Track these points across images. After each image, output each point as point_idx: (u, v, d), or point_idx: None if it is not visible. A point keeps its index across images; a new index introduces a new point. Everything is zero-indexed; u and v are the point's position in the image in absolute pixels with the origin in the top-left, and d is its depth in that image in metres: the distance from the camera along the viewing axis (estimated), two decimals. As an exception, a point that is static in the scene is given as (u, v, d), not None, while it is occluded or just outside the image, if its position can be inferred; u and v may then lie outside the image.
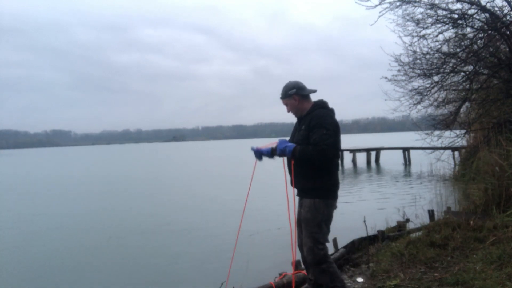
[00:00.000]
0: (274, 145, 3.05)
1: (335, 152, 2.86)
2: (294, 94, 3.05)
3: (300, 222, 3.12)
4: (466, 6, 7.75)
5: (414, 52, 8.49)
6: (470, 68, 8.74)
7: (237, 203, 11.90)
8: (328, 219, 2.96)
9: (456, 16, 7.91)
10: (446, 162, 12.37)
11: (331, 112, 3.03)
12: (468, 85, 8.93)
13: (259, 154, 3.12)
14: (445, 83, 9.13)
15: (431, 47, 8.36)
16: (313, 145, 2.82)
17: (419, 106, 9.58)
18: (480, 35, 8.11)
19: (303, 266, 3.98)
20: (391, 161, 24.09)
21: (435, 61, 8.65)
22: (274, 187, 15.42)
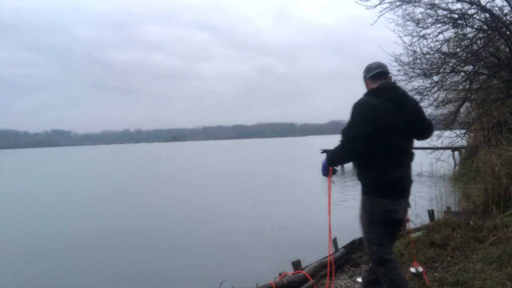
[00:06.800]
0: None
1: (359, 147, 2.53)
2: (364, 78, 2.83)
3: None
4: (466, 6, 7.75)
5: (414, 52, 8.48)
6: (470, 68, 8.73)
7: (237, 203, 11.90)
8: (379, 220, 2.62)
9: (456, 16, 7.91)
10: (446, 162, 12.38)
11: (376, 99, 2.59)
12: (468, 85, 8.93)
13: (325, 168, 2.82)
14: (445, 83, 9.12)
15: (431, 47, 8.35)
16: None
17: (419, 106, 9.57)
18: (480, 35, 8.11)
19: (303, 266, 3.99)
20: (391, 161, 24.05)
21: (435, 61, 8.64)
22: (281, 187, 15.46)
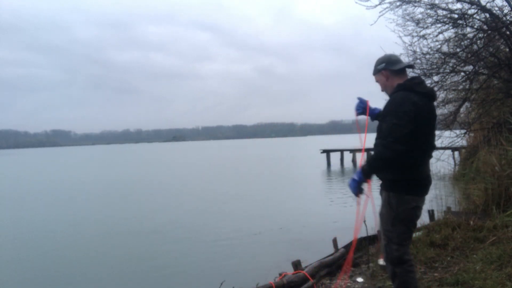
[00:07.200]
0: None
1: (406, 146, 2.37)
2: (383, 69, 2.64)
3: None
4: (466, 6, 7.74)
5: (414, 52, 8.47)
6: (470, 68, 8.73)
7: (237, 203, 11.90)
8: (405, 217, 2.54)
9: (456, 16, 7.90)
10: (446, 162, 12.38)
11: (415, 95, 2.47)
12: (468, 85, 8.92)
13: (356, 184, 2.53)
14: (445, 83, 9.11)
15: (431, 47, 8.34)
16: (381, 138, 2.45)
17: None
18: (480, 35, 8.10)
19: (303, 266, 3.99)
20: (391, 161, 24.04)
21: (435, 61, 8.63)
22: (281, 187, 15.46)
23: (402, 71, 2.63)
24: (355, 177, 2.51)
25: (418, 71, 8.87)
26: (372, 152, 2.54)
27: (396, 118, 2.39)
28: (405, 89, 2.51)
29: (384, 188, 2.63)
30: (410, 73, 3.37)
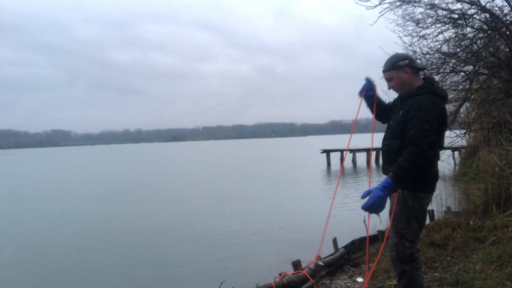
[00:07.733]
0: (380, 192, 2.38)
1: (436, 151, 2.52)
2: (406, 65, 2.57)
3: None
4: (466, 6, 7.74)
5: (414, 52, 8.48)
6: (470, 68, 8.73)
7: (237, 202, 11.91)
8: (419, 214, 2.56)
9: (456, 16, 7.91)
10: (446, 162, 12.39)
11: (439, 99, 2.54)
12: (468, 85, 8.93)
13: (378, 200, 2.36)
14: (445, 83, 9.12)
15: (431, 47, 8.35)
16: (409, 143, 2.42)
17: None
18: (480, 35, 8.11)
19: (303, 266, 3.99)
20: (391, 161, 24.02)
21: (435, 61, 8.64)
22: (281, 186, 15.47)
23: (418, 72, 2.66)
24: (384, 191, 2.36)
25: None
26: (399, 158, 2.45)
27: (428, 124, 2.40)
28: (430, 92, 2.52)
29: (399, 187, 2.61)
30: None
